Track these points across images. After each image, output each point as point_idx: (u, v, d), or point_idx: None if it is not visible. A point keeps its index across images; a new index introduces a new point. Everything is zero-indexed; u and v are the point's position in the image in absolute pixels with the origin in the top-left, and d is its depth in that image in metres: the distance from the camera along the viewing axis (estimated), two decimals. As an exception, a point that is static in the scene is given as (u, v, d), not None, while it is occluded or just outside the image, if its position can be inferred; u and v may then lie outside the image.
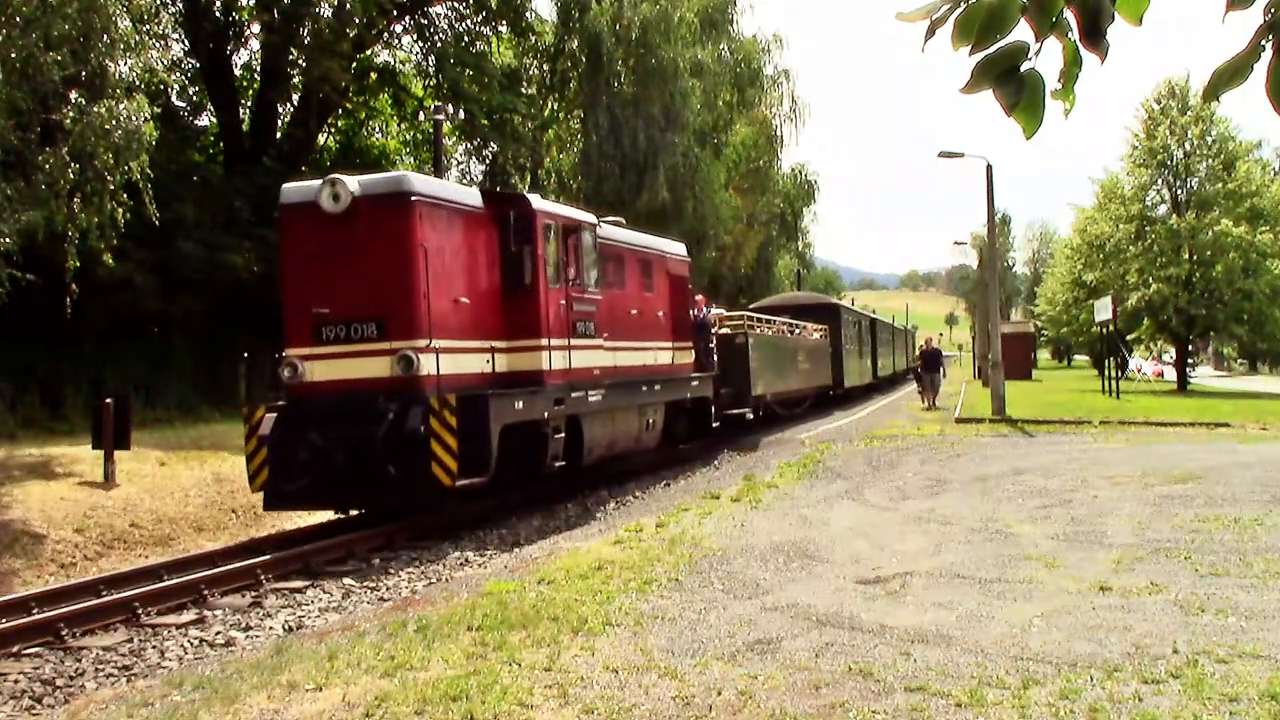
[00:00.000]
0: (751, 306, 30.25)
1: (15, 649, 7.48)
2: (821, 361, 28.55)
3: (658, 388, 16.37)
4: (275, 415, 11.33)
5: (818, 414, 27.50)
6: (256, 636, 7.84)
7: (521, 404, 12.11)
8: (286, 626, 8.11)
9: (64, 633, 7.73)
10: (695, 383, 18.15)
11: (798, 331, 26.69)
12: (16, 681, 6.83)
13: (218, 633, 7.96)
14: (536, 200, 13.20)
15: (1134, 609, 6.65)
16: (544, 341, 12.82)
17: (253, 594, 9.16)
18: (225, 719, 5.22)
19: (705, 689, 5.30)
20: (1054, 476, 13.34)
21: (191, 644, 7.68)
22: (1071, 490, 12.08)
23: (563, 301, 13.28)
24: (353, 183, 11.25)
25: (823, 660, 5.75)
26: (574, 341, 13.58)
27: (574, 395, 13.41)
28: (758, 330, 22.45)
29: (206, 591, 8.99)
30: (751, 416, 23.34)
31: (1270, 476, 12.78)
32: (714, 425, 18.99)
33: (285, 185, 12.07)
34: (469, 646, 6.21)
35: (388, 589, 9.32)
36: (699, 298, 20.11)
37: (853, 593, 7.37)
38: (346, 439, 10.80)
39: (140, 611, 8.32)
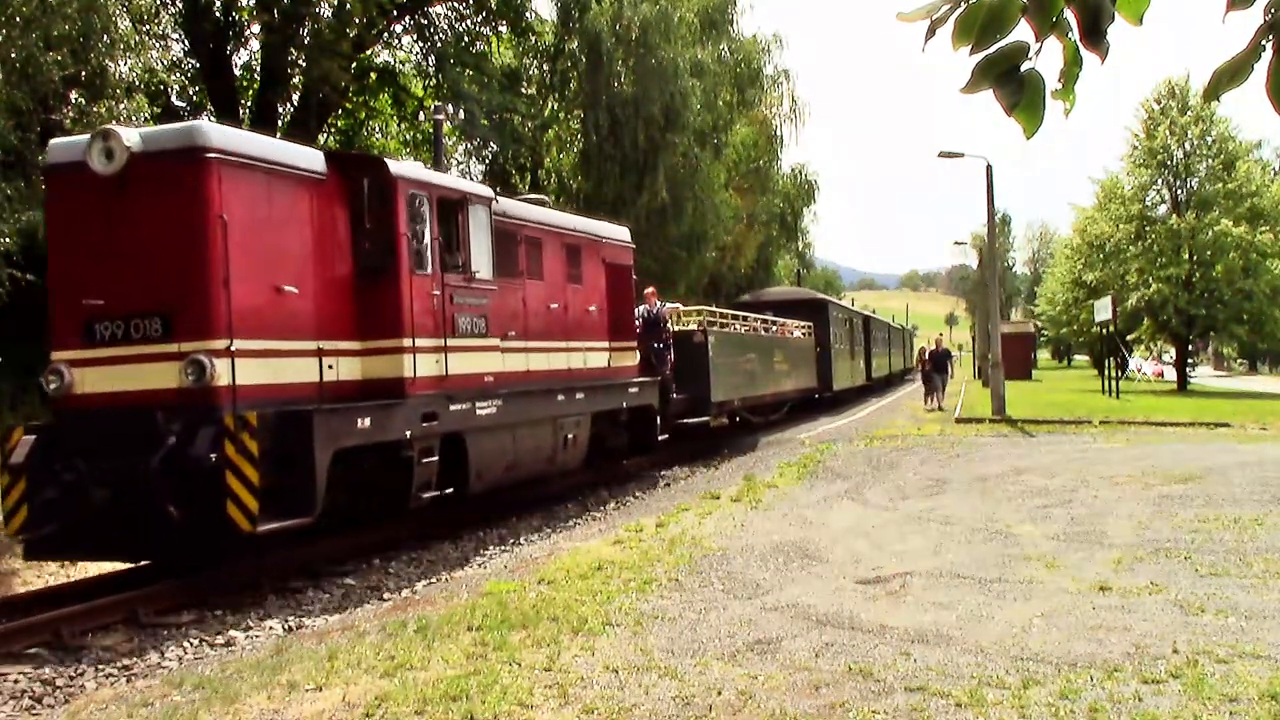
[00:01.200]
0: (732, 303, 29.04)
1: (15, 649, 7.48)
2: (805, 362, 26.51)
3: (580, 396, 13.75)
4: (35, 438, 8.93)
5: (800, 419, 25.51)
6: (256, 636, 7.84)
7: (369, 421, 9.65)
8: (286, 626, 8.11)
9: (64, 633, 7.73)
10: (635, 389, 15.48)
11: (775, 329, 24.81)
12: (16, 681, 6.83)
13: (218, 633, 7.96)
14: (399, 165, 10.85)
15: (1134, 609, 6.66)
16: (407, 342, 10.32)
17: (252, 594, 9.16)
18: (225, 719, 5.22)
19: (705, 689, 5.30)
20: (1054, 476, 13.34)
21: (191, 644, 7.68)
22: (1071, 490, 12.09)
23: (437, 292, 10.78)
24: (131, 136, 8.96)
25: (823, 660, 5.75)
26: (454, 341, 11.07)
27: (454, 408, 10.94)
28: (721, 327, 20.30)
29: (206, 591, 8.99)
30: (727, 422, 21.44)
31: (1270, 476, 12.78)
32: (661, 438, 16.43)
33: (52, 141, 9.91)
34: (469, 646, 6.21)
35: (388, 589, 9.33)
36: (649, 290, 18.06)
37: (853, 593, 7.37)
38: (110, 470, 8.42)
39: (140, 611, 8.31)
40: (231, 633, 7.96)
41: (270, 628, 8.09)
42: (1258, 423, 22.41)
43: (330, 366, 9.86)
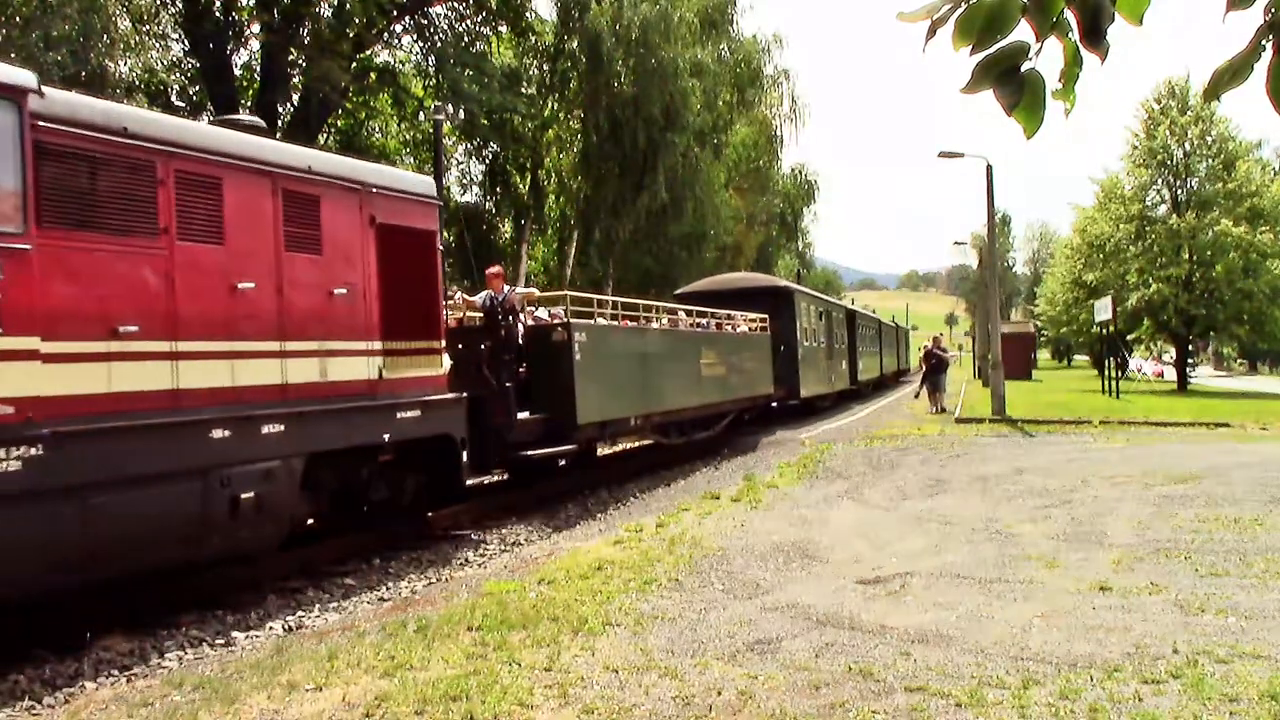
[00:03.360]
0: (676, 292, 25.49)
1: (15, 649, 7.47)
2: (757, 362, 21.52)
3: (274, 429, 8.50)
4: None
5: (759, 429, 21.89)
6: (256, 636, 7.84)
7: None
8: (286, 626, 8.11)
9: (64, 633, 7.72)
10: (414, 413, 10.27)
11: (708, 322, 19.36)
12: (16, 682, 6.83)
13: (218, 633, 7.96)
14: None
15: (1134, 609, 6.66)
16: None
17: (252, 594, 9.16)
18: (225, 719, 5.22)
19: (705, 689, 5.30)
20: (1054, 476, 13.35)
21: (191, 644, 7.68)
22: (1071, 490, 12.09)
23: None
24: None
25: (823, 660, 5.75)
26: None
27: None
28: (603, 319, 15.02)
29: (206, 591, 8.98)
30: (650, 441, 17.21)
31: (1270, 476, 12.78)
32: (476, 481, 12.48)
33: None
34: (469, 646, 6.21)
35: (388, 589, 9.33)
36: (492, 271, 13.46)
37: (853, 593, 7.37)
38: None
39: (140, 611, 8.31)
40: (232, 633, 7.96)
41: (270, 628, 8.09)
42: (1258, 423, 22.42)
43: None
